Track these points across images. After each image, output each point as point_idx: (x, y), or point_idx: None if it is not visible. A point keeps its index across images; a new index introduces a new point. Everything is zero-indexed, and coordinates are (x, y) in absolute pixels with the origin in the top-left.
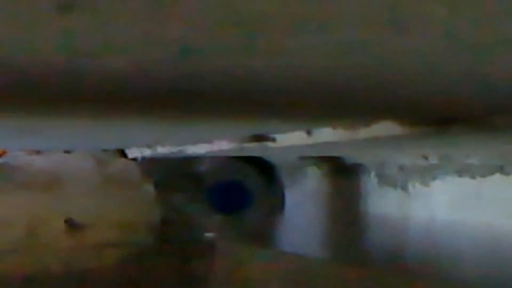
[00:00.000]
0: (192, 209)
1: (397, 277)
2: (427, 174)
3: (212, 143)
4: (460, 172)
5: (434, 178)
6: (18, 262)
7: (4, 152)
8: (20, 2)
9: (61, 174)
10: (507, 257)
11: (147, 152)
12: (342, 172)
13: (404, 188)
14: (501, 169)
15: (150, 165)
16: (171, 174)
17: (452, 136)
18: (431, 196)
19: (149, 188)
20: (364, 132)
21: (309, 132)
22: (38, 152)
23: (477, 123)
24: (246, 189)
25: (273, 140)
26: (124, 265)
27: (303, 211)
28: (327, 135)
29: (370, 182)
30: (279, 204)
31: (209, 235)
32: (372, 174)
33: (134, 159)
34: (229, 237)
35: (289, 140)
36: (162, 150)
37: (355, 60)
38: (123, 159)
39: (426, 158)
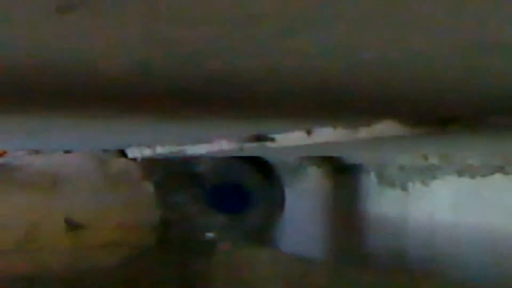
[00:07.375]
0: (192, 209)
1: (397, 277)
2: (427, 174)
3: (212, 143)
4: (460, 172)
5: (434, 178)
6: (18, 262)
7: (4, 152)
8: (20, 3)
9: (61, 174)
10: (507, 257)
11: (147, 152)
12: (342, 171)
13: (404, 188)
14: (501, 169)
15: (150, 165)
16: (171, 174)
17: (452, 136)
18: (431, 196)
19: (149, 188)
20: (364, 132)
21: (309, 132)
22: (38, 152)
23: (477, 123)
24: (246, 189)
25: (273, 140)
26: (124, 265)
27: (303, 211)
28: (327, 135)
29: (370, 182)
30: (279, 204)
31: (209, 235)
32: (372, 174)
33: (134, 159)
34: (229, 237)
35: (289, 140)
36: (162, 150)
37: (355, 60)
38: (123, 159)
39: (426, 158)
